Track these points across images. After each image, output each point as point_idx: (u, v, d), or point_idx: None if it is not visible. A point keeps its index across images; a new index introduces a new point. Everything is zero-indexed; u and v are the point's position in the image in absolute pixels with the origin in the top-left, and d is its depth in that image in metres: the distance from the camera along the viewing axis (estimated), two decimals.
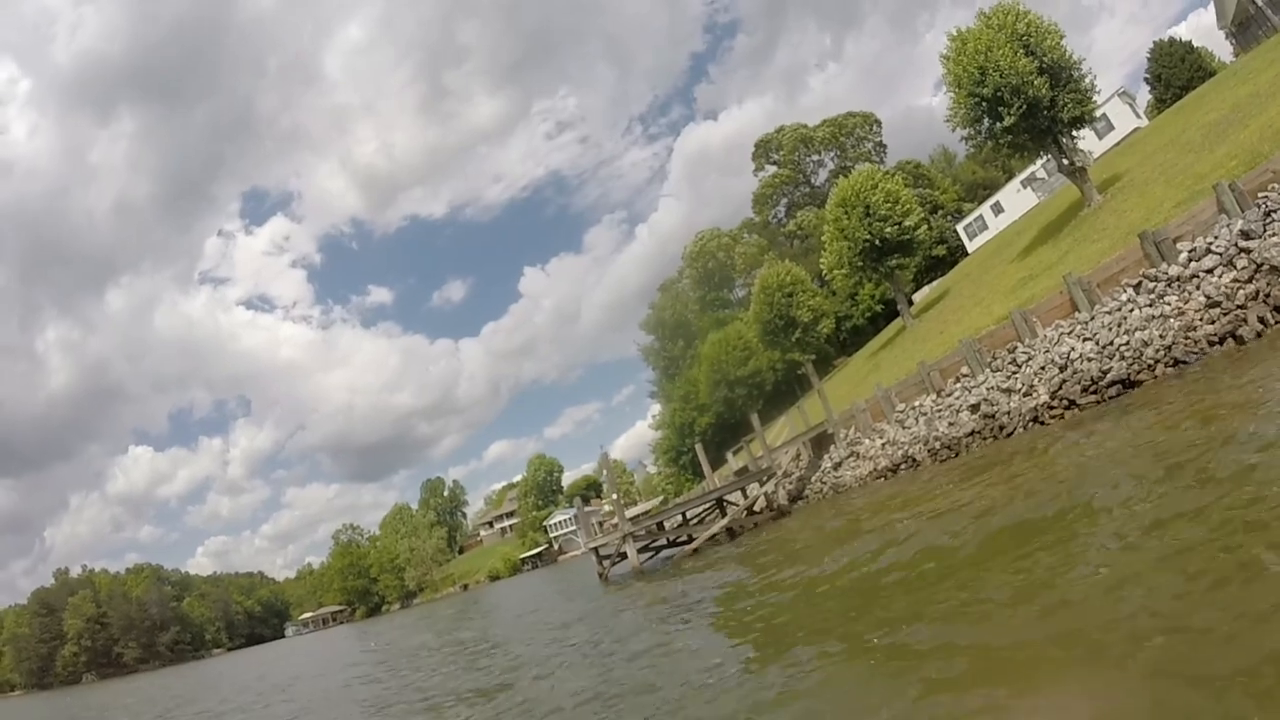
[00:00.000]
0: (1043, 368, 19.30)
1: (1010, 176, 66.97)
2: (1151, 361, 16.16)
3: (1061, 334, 19.17)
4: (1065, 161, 30.08)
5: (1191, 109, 35.19)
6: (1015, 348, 20.87)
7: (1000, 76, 27.90)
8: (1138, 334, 16.64)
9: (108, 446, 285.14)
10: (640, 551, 31.42)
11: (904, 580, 10.60)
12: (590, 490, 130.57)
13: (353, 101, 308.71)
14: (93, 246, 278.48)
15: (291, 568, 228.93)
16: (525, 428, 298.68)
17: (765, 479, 32.57)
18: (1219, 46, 59.77)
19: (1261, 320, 14.18)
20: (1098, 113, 32.69)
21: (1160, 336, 16.07)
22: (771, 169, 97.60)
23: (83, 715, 38.65)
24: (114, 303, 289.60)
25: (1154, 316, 16.42)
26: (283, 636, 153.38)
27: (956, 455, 21.94)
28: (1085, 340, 18.22)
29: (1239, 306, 14.65)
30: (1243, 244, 14.84)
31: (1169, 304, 16.18)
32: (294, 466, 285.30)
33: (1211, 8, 51.26)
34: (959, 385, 23.13)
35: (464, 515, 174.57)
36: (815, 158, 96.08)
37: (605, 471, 44.49)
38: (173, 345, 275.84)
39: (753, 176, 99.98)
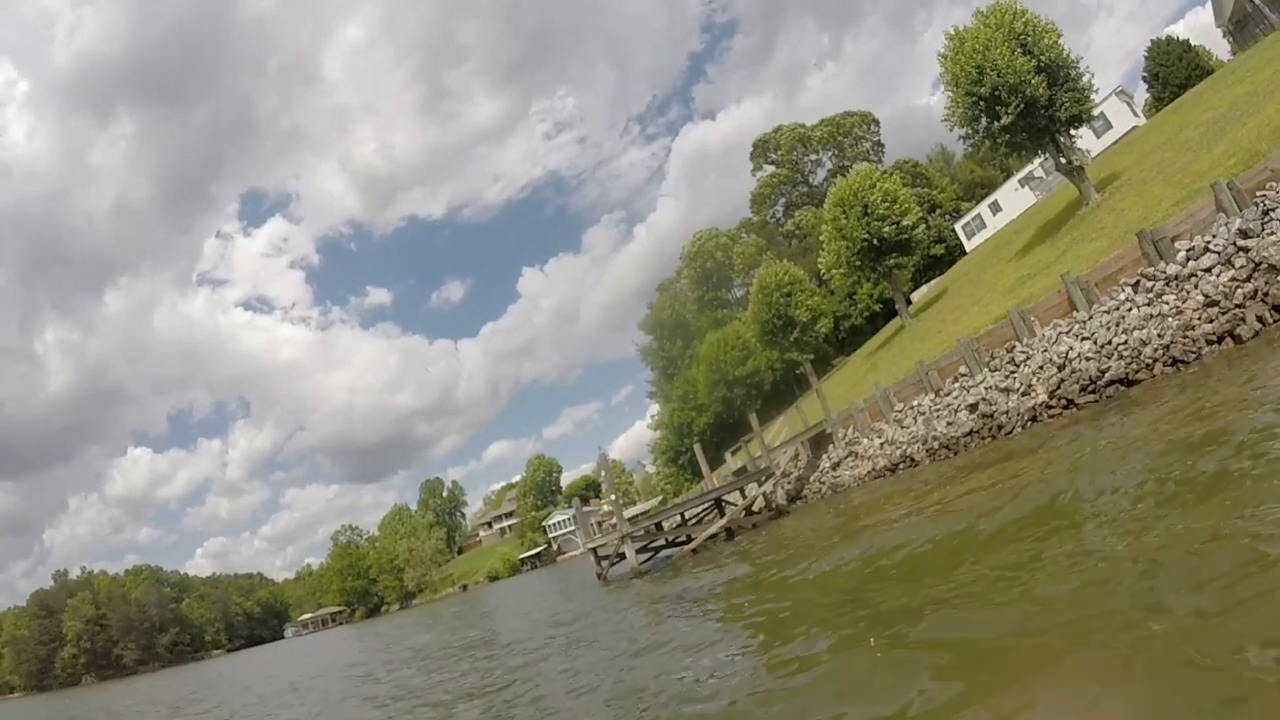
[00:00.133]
0: (1041, 367, 19.28)
1: (1008, 175, 66.96)
2: (1150, 361, 16.14)
3: (1060, 333, 19.16)
4: (1063, 160, 30.09)
5: (1189, 107, 35.20)
6: (1013, 347, 20.85)
7: (998, 75, 27.90)
8: (1136, 333, 16.63)
9: (107, 448, 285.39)
10: (639, 552, 31.39)
11: (902, 576, 10.60)
12: (589, 490, 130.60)
13: (352, 102, 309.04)
14: (92, 248, 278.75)
15: (291, 569, 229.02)
16: (524, 428, 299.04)
17: (764, 479, 32.54)
18: (1217, 45, 59.85)
19: (1260, 319, 14.16)
20: (1095, 111, 32.67)
21: (1158, 335, 16.05)
22: (769, 169, 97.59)
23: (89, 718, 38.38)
24: (113, 304, 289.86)
25: (1152, 315, 16.41)
26: (282, 638, 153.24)
27: (955, 455, 21.92)
28: (1083, 339, 18.21)
29: (1237, 305, 14.63)
30: (1241, 243, 14.82)
31: (1167, 303, 16.16)
32: (293, 468, 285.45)
33: (1209, 6, 51.26)
34: (957, 385, 23.11)
35: (463, 516, 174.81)
36: (813, 157, 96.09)
37: (604, 472, 44.36)
38: (172, 346, 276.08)
39: (751, 176, 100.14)
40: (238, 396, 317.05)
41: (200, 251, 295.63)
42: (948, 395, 23.43)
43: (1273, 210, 14.57)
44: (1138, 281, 17.18)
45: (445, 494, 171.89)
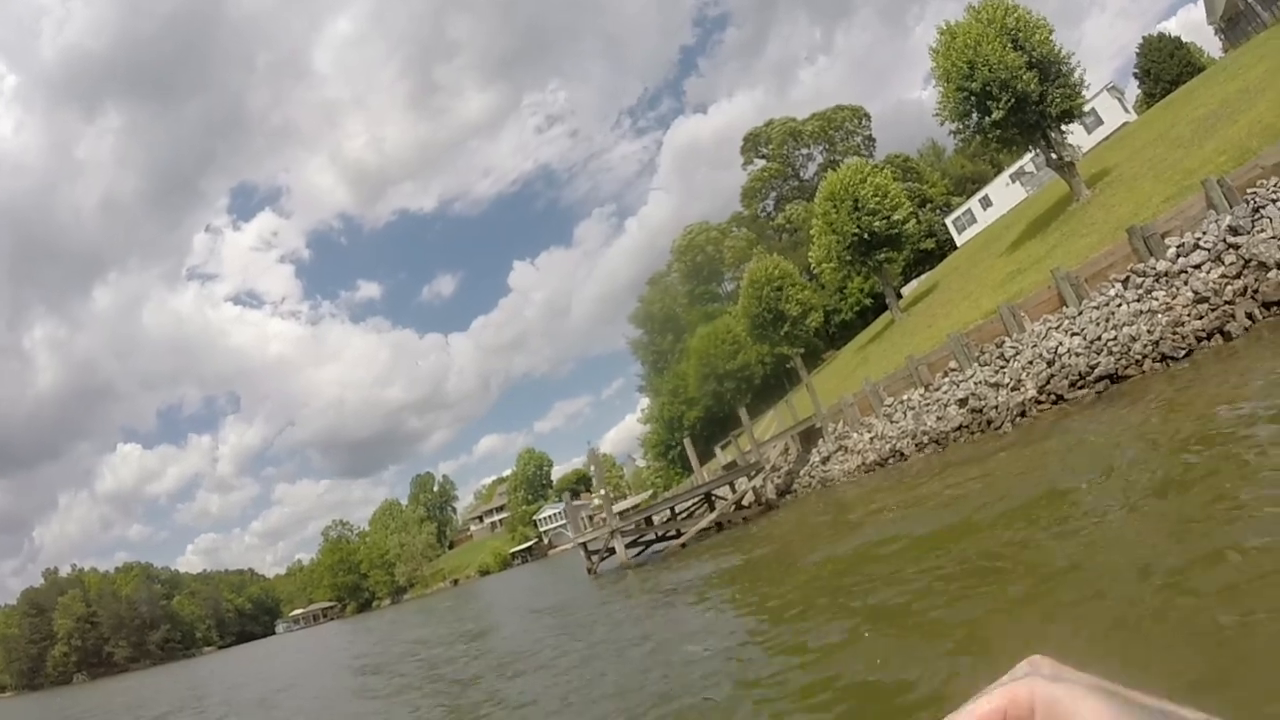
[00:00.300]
0: (1030, 362, 19.28)
1: (999, 170, 67.09)
2: (1139, 357, 16.14)
3: (1049, 328, 19.15)
4: (1054, 156, 30.09)
5: (1180, 104, 35.24)
6: (1003, 342, 20.85)
7: (989, 71, 27.88)
8: (1125, 329, 16.62)
9: (96, 445, 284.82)
10: (629, 546, 31.36)
11: (894, 566, 10.65)
12: (580, 484, 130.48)
13: (343, 96, 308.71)
14: (80, 243, 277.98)
15: (282, 564, 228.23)
16: (515, 422, 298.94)
17: (753, 473, 32.54)
18: (1208, 42, 60.03)
19: (1249, 316, 14.17)
20: (1086, 107, 32.74)
21: (1148, 331, 16.05)
22: (760, 163, 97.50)
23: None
24: (101, 300, 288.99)
25: (1142, 311, 16.40)
26: (273, 634, 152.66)
27: (944, 449, 21.93)
28: (1073, 335, 18.20)
29: (1227, 302, 14.63)
30: (1231, 240, 14.82)
31: (1157, 299, 16.16)
32: (283, 463, 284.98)
33: (1201, 3, 51.42)
34: (947, 379, 23.11)
35: (454, 510, 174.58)
36: (804, 151, 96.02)
37: (594, 467, 44.32)
38: (161, 342, 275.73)
39: (742, 170, 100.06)
40: (228, 392, 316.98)
41: (190, 246, 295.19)
42: (937, 390, 23.42)
43: (1263, 207, 14.56)
44: (1128, 277, 17.18)
45: (436, 488, 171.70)
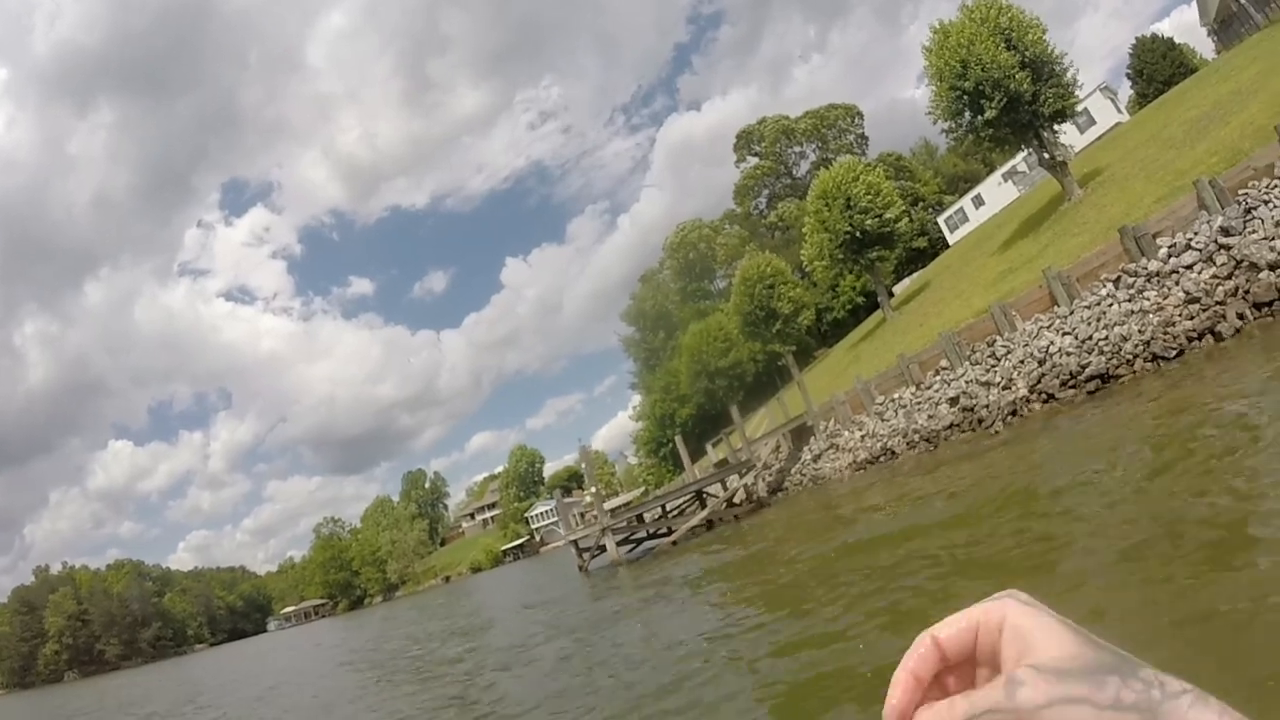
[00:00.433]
0: (1022, 361, 19.30)
1: (991, 170, 67.17)
2: (1130, 356, 16.16)
3: (1041, 328, 19.18)
4: (1046, 155, 30.12)
5: (1173, 105, 35.31)
6: (994, 341, 20.87)
7: (982, 70, 27.88)
8: (1116, 329, 16.65)
9: (87, 441, 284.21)
10: (620, 544, 31.33)
11: (880, 561, 10.71)
12: (572, 481, 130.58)
13: (335, 91, 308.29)
14: (72, 239, 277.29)
15: (273, 562, 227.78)
16: (507, 419, 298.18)
17: (745, 471, 32.55)
18: (1201, 43, 60.10)
19: (1240, 317, 14.19)
20: (1079, 107, 32.69)
21: (1139, 331, 16.07)
22: (753, 160, 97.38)
23: None
24: (93, 295, 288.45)
25: (1133, 311, 16.43)
26: (265, 631, 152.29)
27: (935, 448, 21.94)
28: (1064, 334, 18.22)
29: (1218, 303, 14.66)
30: (1222, 240, 14.84)
31: (1148, 299, 16.18)
32: (275, 459, 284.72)
33: (1194, 5, 51.44)
34: (938, 378, 23.13)
35: (446, 507, 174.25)
36: (797, 149, 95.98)
37: (585, 464, 44.30)
38: (152, 338, 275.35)
39: (735, 168, 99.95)
40: (219, 388, 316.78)
41: (181, 242, 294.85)
42: (929, 388, 23.44)
43: (1255, 209, 14.59)
44: (1119, 277, 17.20)
45: (428, 485, 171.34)
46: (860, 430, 26.95)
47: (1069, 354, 17.76)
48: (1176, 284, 15.65)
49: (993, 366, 20.52)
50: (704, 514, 30.83)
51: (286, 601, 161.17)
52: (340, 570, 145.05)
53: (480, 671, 14.23)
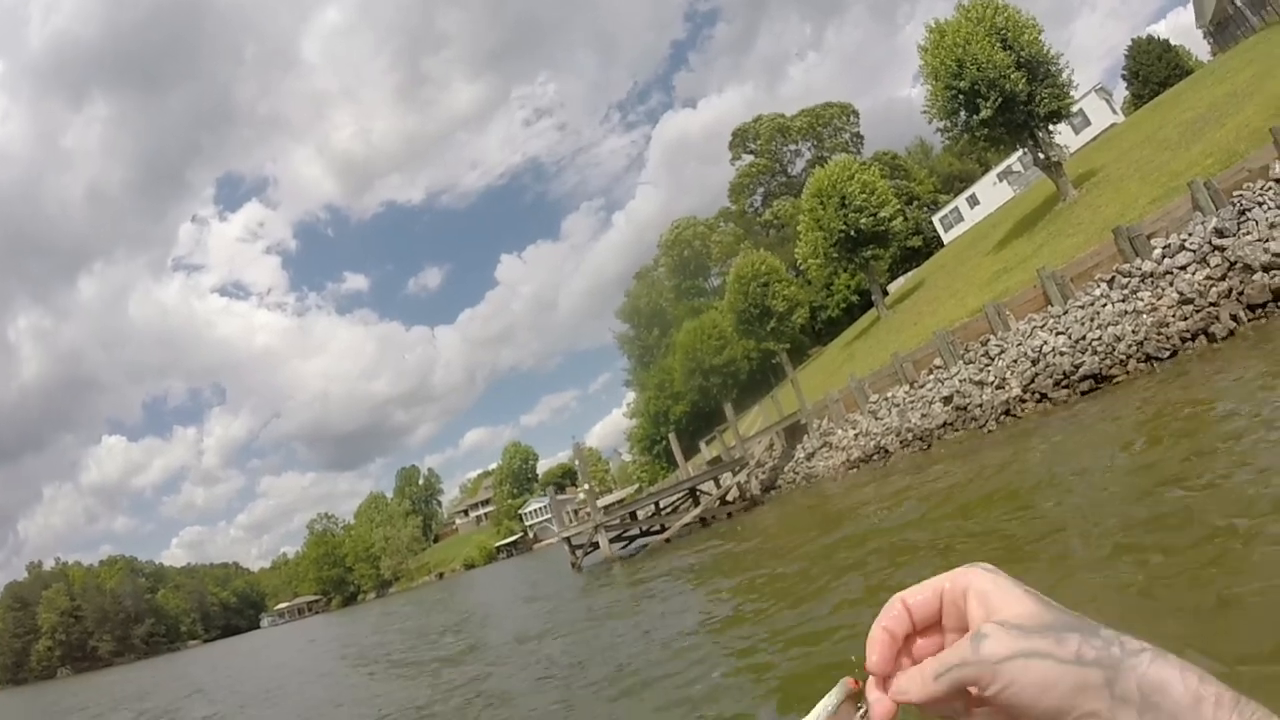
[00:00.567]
0: (1015, 361, 19.32)
1: (986, 169, 67.32)
2: (1124, 357, 16.18)
3: (1034, 327, 19.20)
4: (1041, 156, 30.18)
5: (1168, 107, 35.38)
6: (988, 340, 20.90)
7: (977, 69, 27.91)
8: (1110, 329, 16.67)
9: (81, 437, 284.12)
10: (613, 541, 31.31)
11: (871, 556, 10.77)
12: (566, 478, 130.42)
13: (330, 87, 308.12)
14: (65, 233, 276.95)
15: (267, 558, 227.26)
16: (502, 415, 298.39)
17: (738, 469, 32.55)
18: (1197, 45, 60.21)
19: (1234, 318, 14.21)
20: (1074, 108, 32.80)
21: (1133, 332, 16.09)
22: (749, 158, 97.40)
23: None
24: (87, 290, 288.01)
25: (1127, 312, 16.45)
26: (258, 627, 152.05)
27: (929, 447, 21.96)
28: (1058, 334, 18.25)
29: (1211, 304, 14.67)
30: (1216, 241, 14.87)
31: (1142, 300, 16.20)
32: (269, 455, 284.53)
33: (1190, 7, 51.53)
34: (932, 377, 23.16)
35: (439, 503, 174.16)
36: (792, 148, 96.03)
37: (579, 461, 44.31)
38: (146, 333, 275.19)
39: (730, 165, 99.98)
40: (213, 383, 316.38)
41: (175, 237, 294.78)
42: (922, 387, 23.47)
43: (1249, 210, 14.61)
44: (1113, 278, 17.22)
45: (421, 482, 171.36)
46: (854, 429, 26.97)
47: (1063, 354, 17.78)
48: (1170, 285, 15.67)
49: (986, 366, 20.55)
50: (697, 511, 30.83)
51: (280, 598, 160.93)
52: (334, 567, 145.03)
53: (475, 669, 14.21)
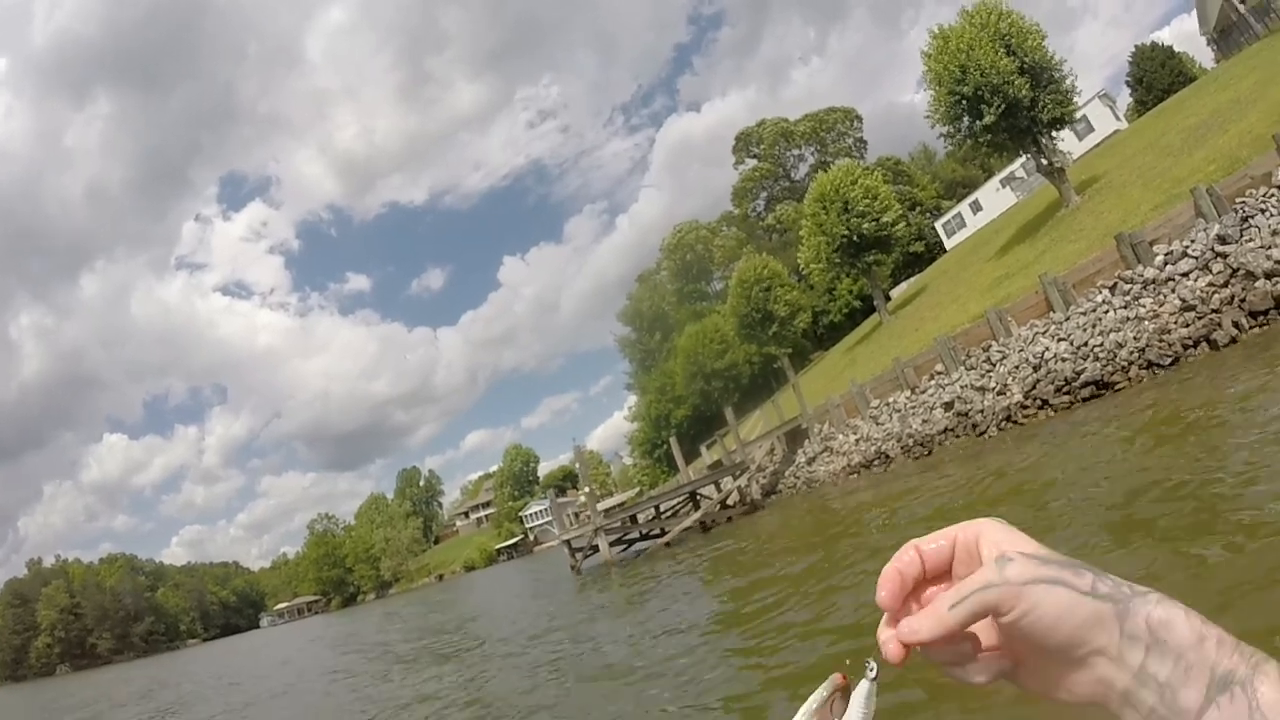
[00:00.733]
0: (1017, 367, 19.28)
1: (989, 175, 67.22)
2: (1125, 363, 16.14)
3: (1036, 333, 19.16)
4: (1044, 162, 30.12)
5: (1171, 113, 35.33)
6: (990, 346, 20.86)
7: (981, 75, 27.87)
8: (1112, 335, 16.63)
9: (82, 434, 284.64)
10: (613, 544, 31.29)
11: (871, 558, 10.73)
12: (567, 481, 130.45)
13: (333, 86, 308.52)
14: (67, 231, 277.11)
15: (267, 557, 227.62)
16: (503, 417, 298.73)
17: (739, 473, 32.52)
18: (1200, 52, 60.14)
19: (1236, 325, 14.17)
20: (1078, 114, 32.74)
21: (1134, 338, 16.05)
22: (751, 162, 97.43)
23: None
24: (89, 288, 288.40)
25: (1129, 318, 16.41)
26: (257, 627, 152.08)
27: (930, 453, 21.92)
28: (1060, 340, 18.21)
29: (1214, 311, 14.63)
30: (1219, 248, 14.83)
31: (1144, 306, 16.16)
32: (269, 455, 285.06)
33: (1194, 13, 51.47)
34: (933, 382, 23.12)
35: (440, 505, 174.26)
36: (795, 152, 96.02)
37: (579, 464, 44.29)
38: (148, 332, 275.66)
39: (733, 169, 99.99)
40: (214, 382, 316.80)
41: (178, 235, 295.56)
42: (924, 393, 23.43)
43: (1252, 217, 14.58)
44: (1115, 284, 17.19)
45: (422, 483, 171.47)
46: (855, 434, 26.93)
47: (1064, 360, 17.74)
48: (1172, 291, 15.63)
49: (988, 372, 20.51)
50: (697, 515, 30.79)
51: (279, 598, 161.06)
52: (334, 567, 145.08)
53: (475, 667, 14.20)
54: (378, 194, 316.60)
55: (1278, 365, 11.16)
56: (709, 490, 34.08)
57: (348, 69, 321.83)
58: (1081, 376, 17.09)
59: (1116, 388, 16.15)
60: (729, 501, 32.56)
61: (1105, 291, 17.42)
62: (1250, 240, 14.34)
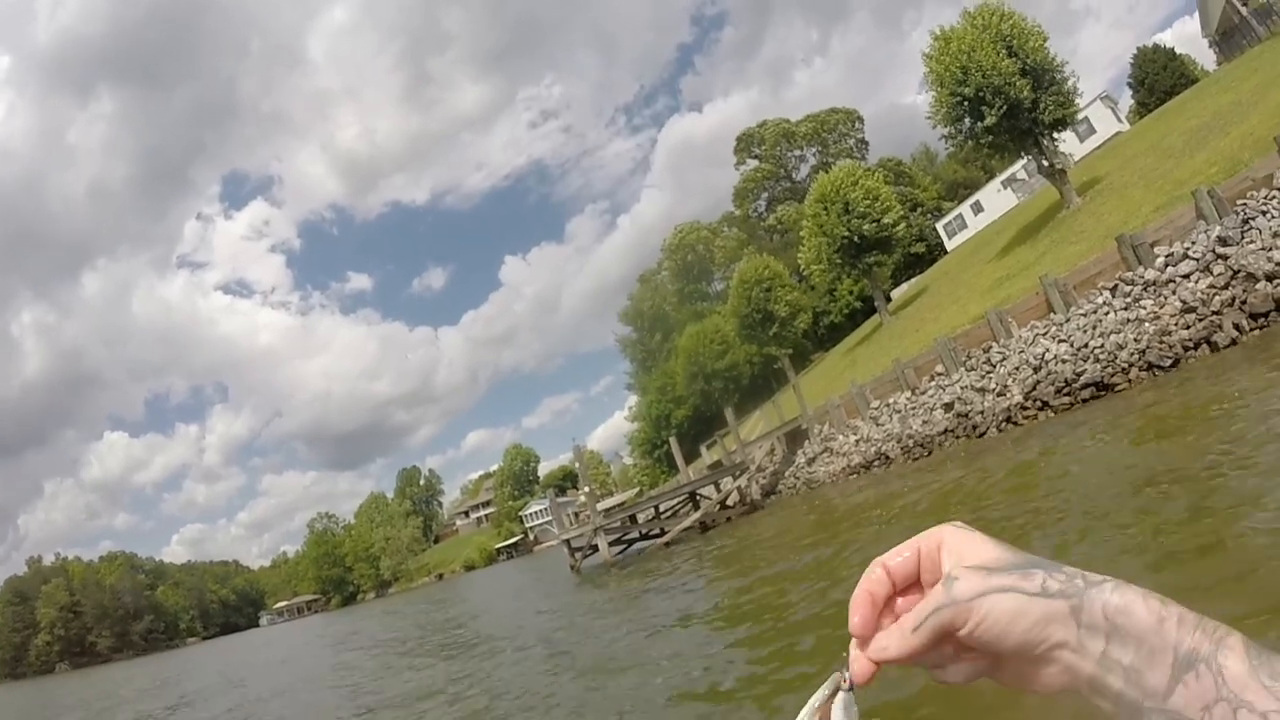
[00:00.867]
0: (1017, 368, 19.26)
1: (991, 176, 67.18)
2: (1126, 365, 16.12)
3: (1037, 335, 19.15)
4: (1045, 163, 30.10)
5: (1173, 115, 35.31)
6: (990, 347, 20.85)
7: (982, 76, 27.86)
8: (1112, 337, 16.61)
9: (83, 433, 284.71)
10: (613, 544, 31.29)
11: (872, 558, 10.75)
12: (567, 481, 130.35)
13: (335, 86, 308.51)
14: (69, 229, 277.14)
15: (267, 556, 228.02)
16: (503, 417, 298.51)
17: (739, 473, 32.53)
18: (1202, 54, 60.07)
19: (1237, 327, 14.15)
20: (1079, 116, 32.74)
21: (1135, 340, 16.03)
22: (753, 163, 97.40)
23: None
24: (90, 286, 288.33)
25: (1129, 320, 16.39)
26: (257, 626, 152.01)
27: (930, 454, 21.90)
28: (1060, 342, 18.19)
29: (1214, 312, 14.61)
30: (1220, 250, 14.81)
31: (1144, 308, 16.14)
32: (270, 454, 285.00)
33: (1196, 16, 51.47)
34: (934, 383, 23.10)
35: (440, 504, 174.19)
36: (797, 153, 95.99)
37: (579, 464, 44.28)
38: (149, 330, 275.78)
39: (735, 170, 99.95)
40: (215, 381, 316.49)
41: (180, 234, 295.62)
42: (924, 394, 23.41)
43: (1253, 219, 14.56)
44: (1116, 285, 17.17)
45: (422, 482, 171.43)
46: (855, 435, 26.92)
47: (1064, 361, 17.72)
48: (1173, 293, 15.61)
49: (988, 373, 20.49)
50: (697, 516, 30.80)
51: (279, 596, 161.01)
52: (333, 566, 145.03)
53: (476, 664, 14.21)
54: (379, 193, 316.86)
55: (1278, 366, 11.16)
56: (709, 490, 34.09)
57: (350, 69, 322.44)
58: (1082, 378, 17.07)
59: (1117, 389, 16.13)
60: (729, 502, 32.57)
61: (1106, 293, 17.40)
62: (1251, 242, 14.33)
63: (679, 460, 39.57)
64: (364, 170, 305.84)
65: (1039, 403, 18.24)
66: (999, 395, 19.62)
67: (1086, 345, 17.26)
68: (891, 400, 25.33)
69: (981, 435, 19.82)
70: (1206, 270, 15.08)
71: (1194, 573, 5.57)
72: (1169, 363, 15.18)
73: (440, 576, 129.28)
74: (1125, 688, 0.64)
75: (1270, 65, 27.72)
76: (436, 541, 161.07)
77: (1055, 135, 29.96)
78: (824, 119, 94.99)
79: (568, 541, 33.60)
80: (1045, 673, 0.68)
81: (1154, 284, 16.12)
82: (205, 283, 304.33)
